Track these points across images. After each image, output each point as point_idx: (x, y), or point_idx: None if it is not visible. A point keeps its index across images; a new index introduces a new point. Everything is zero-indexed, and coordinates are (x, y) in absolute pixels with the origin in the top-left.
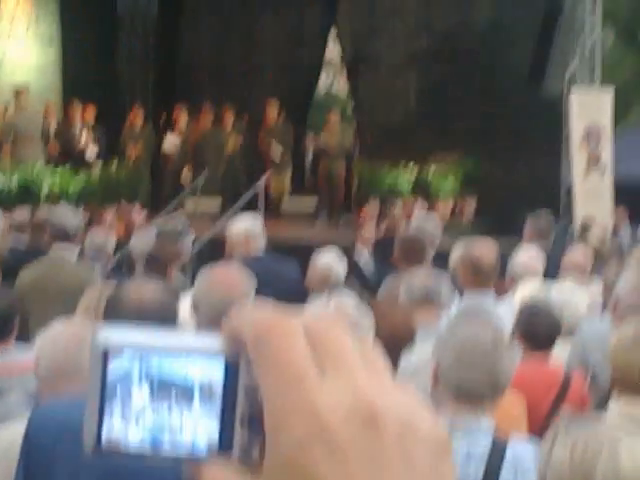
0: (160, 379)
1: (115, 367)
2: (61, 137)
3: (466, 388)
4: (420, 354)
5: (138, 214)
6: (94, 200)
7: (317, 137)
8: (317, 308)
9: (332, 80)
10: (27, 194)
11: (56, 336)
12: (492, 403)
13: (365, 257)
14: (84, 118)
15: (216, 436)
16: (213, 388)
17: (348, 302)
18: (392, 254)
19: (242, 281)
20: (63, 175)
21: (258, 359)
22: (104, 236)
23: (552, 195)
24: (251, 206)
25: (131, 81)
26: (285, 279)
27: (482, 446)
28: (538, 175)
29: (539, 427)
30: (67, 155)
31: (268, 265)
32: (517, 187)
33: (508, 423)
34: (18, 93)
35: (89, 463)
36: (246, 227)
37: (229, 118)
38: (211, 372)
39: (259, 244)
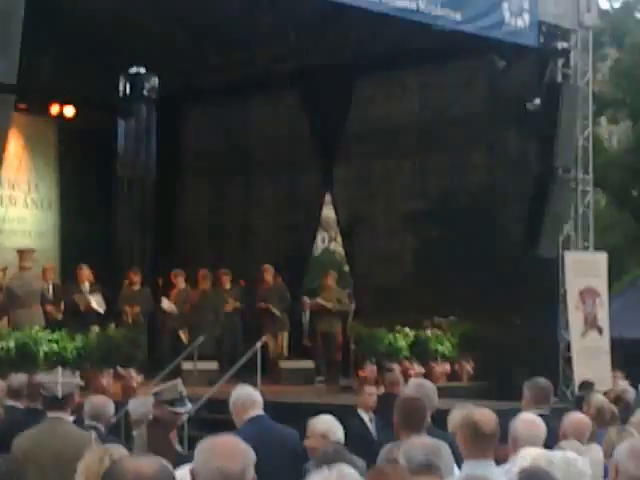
0: None
1: None
2: (65, 298)
3: None
4: None
5: (135, 377)
6: (91, 363)
7: (313, 299)
8: (319, 477)
9: (328, 241)
10: (25, 358)
11: None
12: None
13: (366, 421)
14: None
15: None
16: None
17: (349, 472)
18: (392, 419)
19: (243, 452)
20: (60, 338)
21: None
22: (103, 401)
23: (550, 355)
24: (249, 368)
25: (129, 243)
26: (285, 446)
27: None
28: (535, 335)
29: None
30: (72, 315)
31: (268, 432)
32: (514, 348)
33: None
34: (22, 253)
35: None
36: (245, 394)
37: (226, 280)
38: None
39: (257, 411)
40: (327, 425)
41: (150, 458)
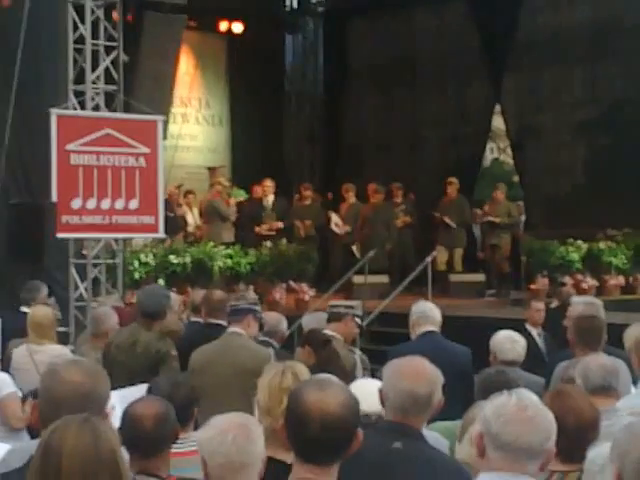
0: None
1: None
2: (247, 213)
3: None
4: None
5: (307, 291)
6: (264, 277)
7: (483, 212)
8: (497, 401)
9: (497, 152)
10: (200, 273)
11: (223, 429)
12: None
13: (534, 336)
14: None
15: None
16: None
17: (529, 397)
18: (564, 335)
19: (431, 374)
20: (234, 253)
21: None
22: (277, 317)
23: None
24: (420, 281)
25: (298, 159)
26: (453, 363)
27: None
28: None
29: None
30: (253, 230)
31: (436, 347)
32: None
33: None
34: (212, 170)
35: None
36: (419, 310)
37: (398, 194)
38: None
39: (429, 327)
40: (495, 342)
41: (334, 389)
